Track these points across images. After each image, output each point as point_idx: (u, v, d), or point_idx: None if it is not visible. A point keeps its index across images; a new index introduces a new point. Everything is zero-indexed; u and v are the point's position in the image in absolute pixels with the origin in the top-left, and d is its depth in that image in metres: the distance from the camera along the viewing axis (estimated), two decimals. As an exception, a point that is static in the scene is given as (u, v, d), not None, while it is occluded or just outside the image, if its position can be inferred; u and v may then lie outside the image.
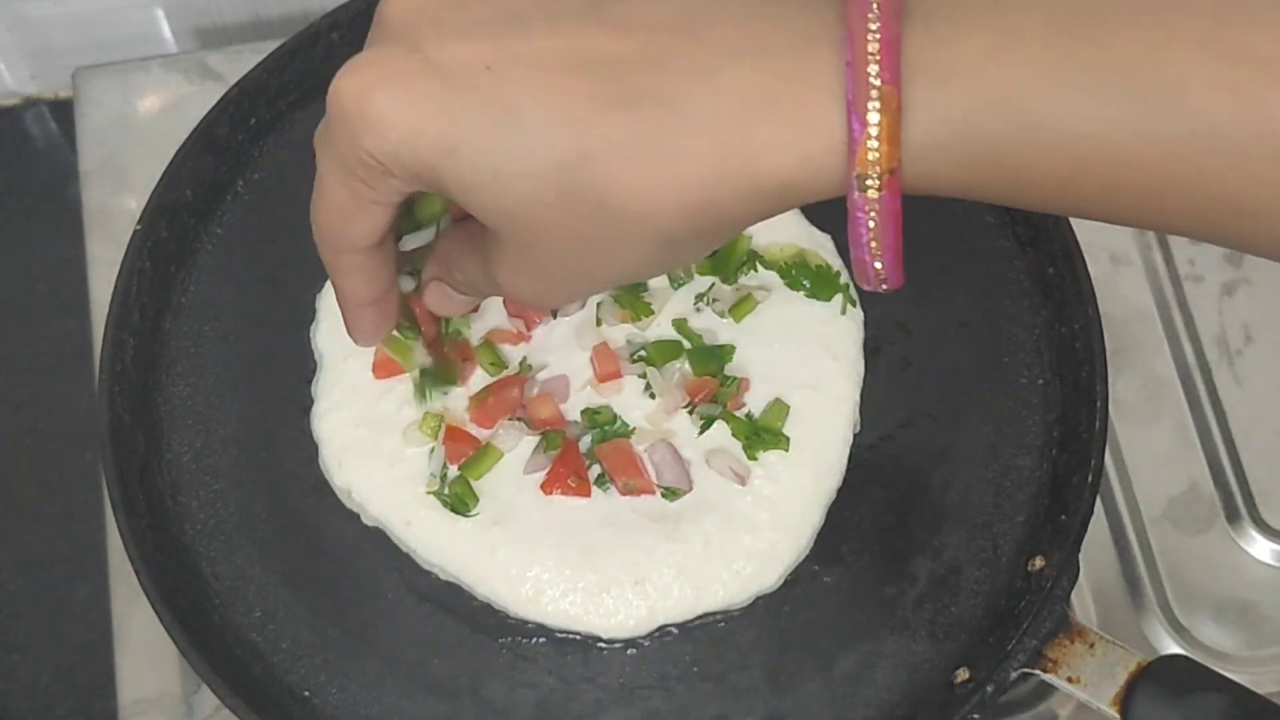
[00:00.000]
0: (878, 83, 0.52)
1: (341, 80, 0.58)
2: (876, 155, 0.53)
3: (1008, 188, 0.55)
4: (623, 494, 0.87)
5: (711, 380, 0.89)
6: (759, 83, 0.54)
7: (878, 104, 0.53)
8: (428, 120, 0.57)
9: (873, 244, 0.57)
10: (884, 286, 0.59)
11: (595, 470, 0.88)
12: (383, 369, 0.90)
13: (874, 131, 0.53)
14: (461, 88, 0.56)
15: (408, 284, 0.78)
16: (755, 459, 0.88)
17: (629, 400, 0.89)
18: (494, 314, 0.91)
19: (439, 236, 0.76)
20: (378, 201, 0.62)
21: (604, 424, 0.88)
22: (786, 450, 0.88)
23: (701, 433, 0.88)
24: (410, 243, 0.78)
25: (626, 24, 0.56)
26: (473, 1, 0.59)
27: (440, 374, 0.88)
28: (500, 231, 0.60)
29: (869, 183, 0.54)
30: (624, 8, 0.57)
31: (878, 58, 0.52)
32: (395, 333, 0.84)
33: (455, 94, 0.56)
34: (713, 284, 0.92)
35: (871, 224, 0.56)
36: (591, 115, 0.55)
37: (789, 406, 0.89)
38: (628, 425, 0.88)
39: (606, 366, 0.90)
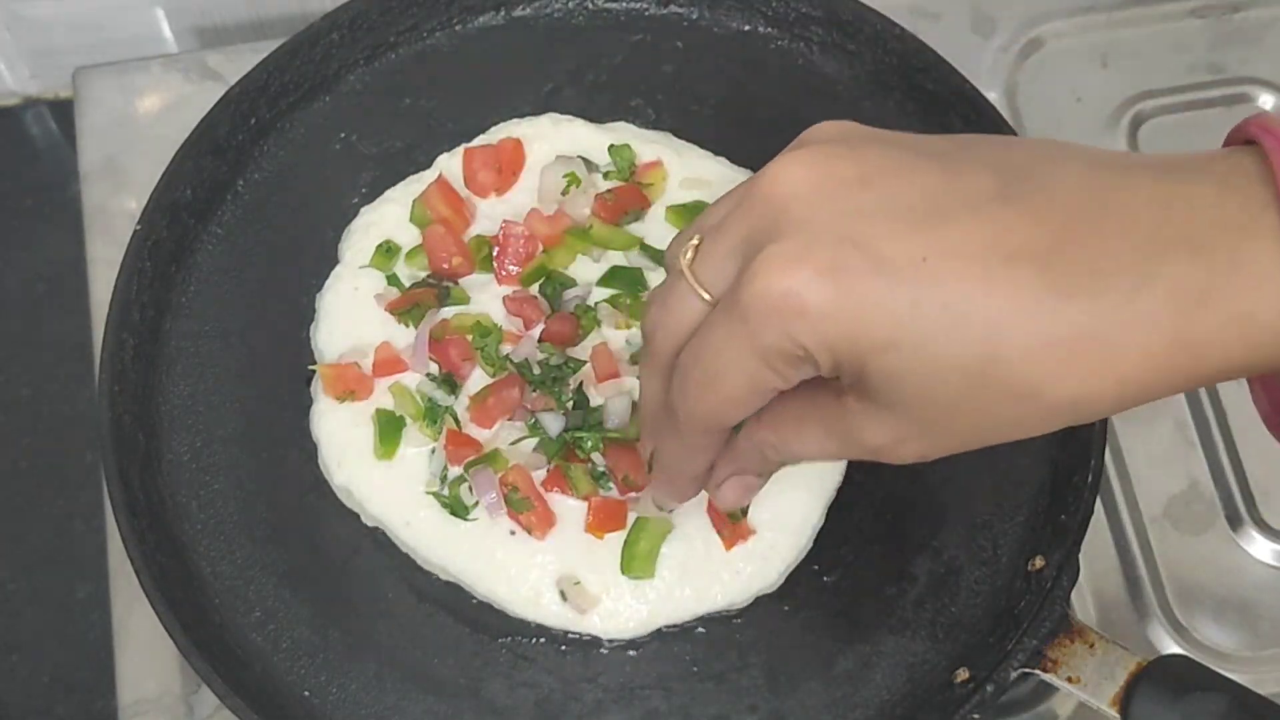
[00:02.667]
0: None
1: (773, 276, 0.58)
2: None
3: None
4: (622, 491, 0.87)
5: None
6: (1196, 277, 0.54)
7: None
8: (870, 316, 0.57)
9: None
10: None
11: (595, 467, 0.88)
12: (382, 369, 0.90)
13: None
14: (902, 283, 0.56)
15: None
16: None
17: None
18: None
19: (746, 427, 0.71)
20: (779, 388, 0.62)
21: (593, 424, 0.88)
22: (787, 450, 0.89)
23: None
24: None
25: (1042, 209, 0.57)
26: (875, 181, 0.59)
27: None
28: (899, 412, 0.60)
29: None
30: (1033, 186, 0.57)
31: None
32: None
33: (896, 290, 0.57)
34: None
35: None
36: (1029, 308, 0.55)
37: None
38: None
39: (605, 367, 0.90)
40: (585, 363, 0.90)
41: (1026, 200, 0.57)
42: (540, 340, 0.90)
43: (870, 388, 0.60)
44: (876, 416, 0.62)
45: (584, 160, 0.96)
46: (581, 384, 0.90)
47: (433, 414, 0.88)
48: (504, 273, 0.93)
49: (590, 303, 0.92)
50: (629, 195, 0.95)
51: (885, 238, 0.57)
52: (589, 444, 0.87)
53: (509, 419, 0.89)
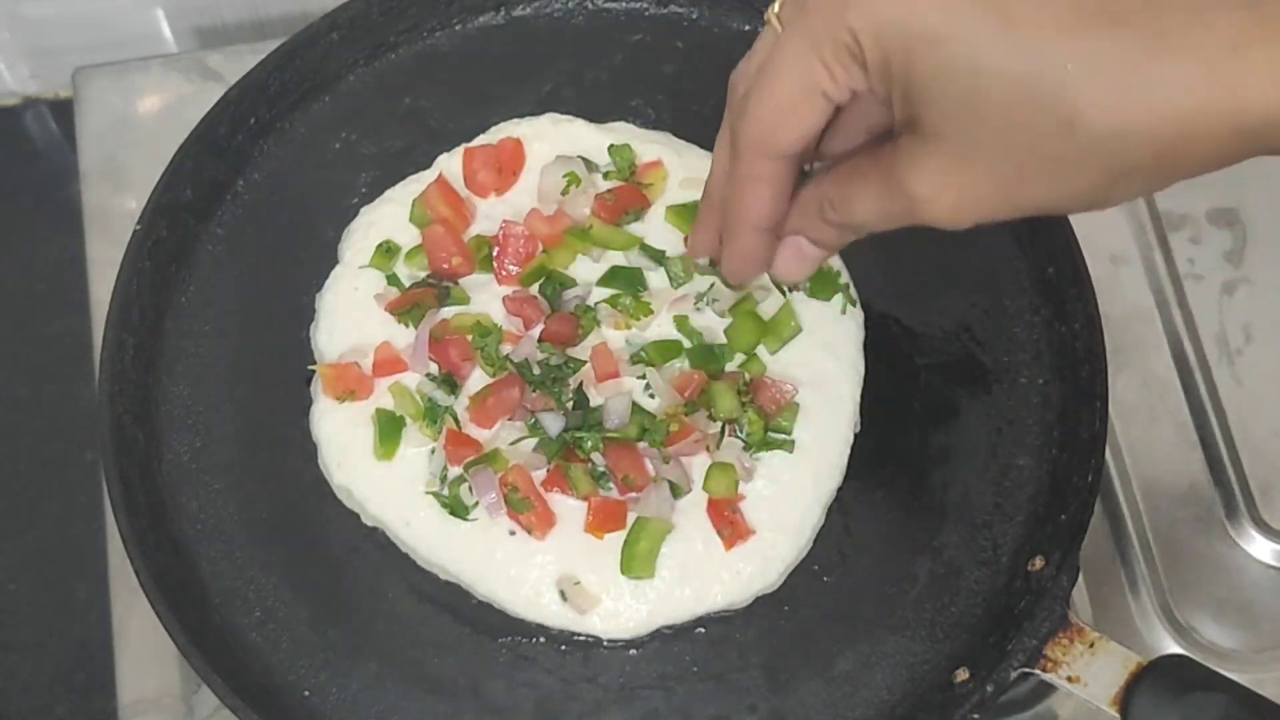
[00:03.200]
0: None
1: None
2: None
3: None
4: (622, 491, 0.87)
5: (701, 374, 0.89)
6: (1250, 23, 0.55)
7: None
8: (924, 4, 0.58)
9: None
10: None
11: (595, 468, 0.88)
12: (382, 369, 0.90)
13: None
14: None
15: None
16: (756, 459, 0.88)
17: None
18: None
19: (804, 187, 0.72)
20: (827, 94, 0.62)
21: (593, 423, 0.88)
22: (791, 452, 0.88)
23: (723, 430, 0.88)
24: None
25: None
26: None
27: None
28: (944, 134, 0.60)
29: None
30: None
31: None
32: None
33: None
34: (712, 284, 0.92)
35: None
36: (1080, 26, 0.56)
37: (798, 405, 0.89)
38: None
39: (605, 367, 0.90)
40: (585, 362, 0.90)
41: None
42: (540, 340, 0.90)
43: (917, 108, 0.60)
44: (923, 152, 0.61)
45: (584, 160, 0.96)
46: (581, 384, 0.90)
47: (432, 414, 0.88)
48: (504, 273, 0.93)
49: (590, 303, 0.92)
50: (629, 195, 0.95)
51: None
52: (589, 444, 0.87)
53: (509, 419, 0.89)
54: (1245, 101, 0.55)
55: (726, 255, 0.73)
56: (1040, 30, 0.56)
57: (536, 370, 0.90)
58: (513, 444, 0.88)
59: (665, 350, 0.90)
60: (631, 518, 0.87)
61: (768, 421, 0.88)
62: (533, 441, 0.88)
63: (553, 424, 0.88)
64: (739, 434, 0.88)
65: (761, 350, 0.91)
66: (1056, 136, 0.58)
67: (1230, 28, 0.55)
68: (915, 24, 0.58)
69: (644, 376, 0.90)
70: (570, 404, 0.89)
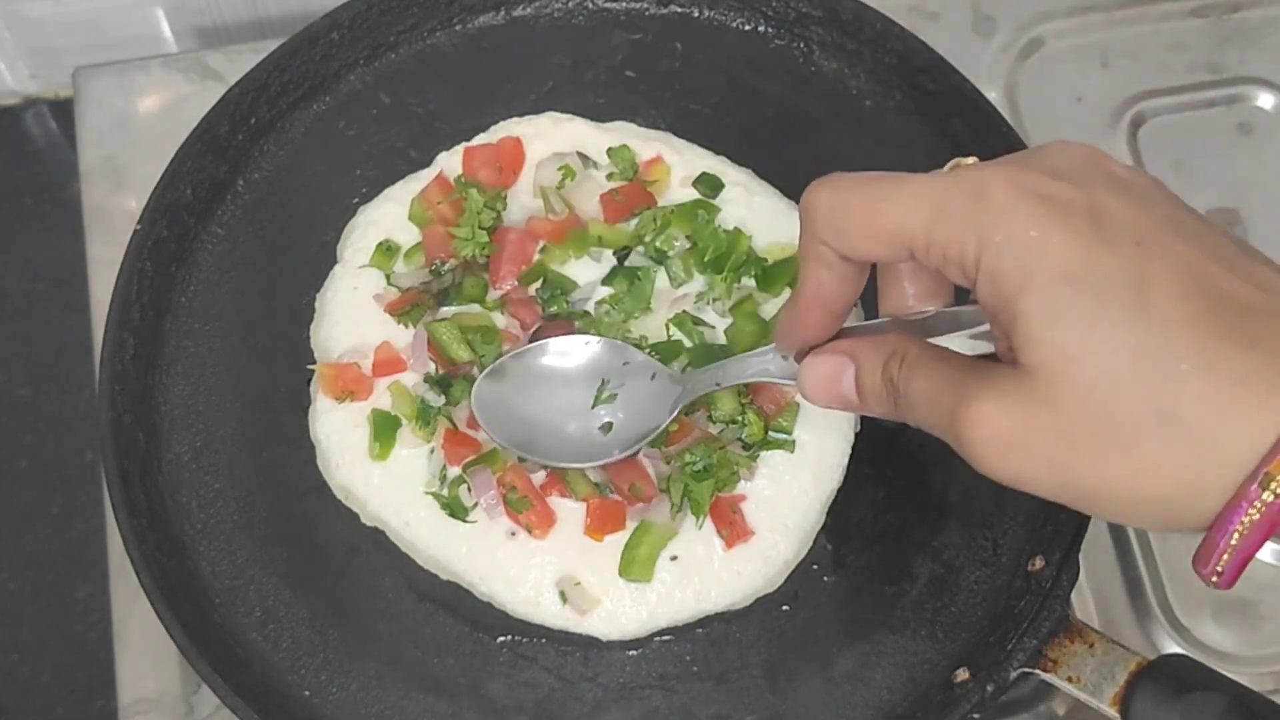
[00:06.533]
0: None
1: (1005, 171, 0.59)
2: None
3: None
4: (630, 502, 0.87)
5: None
6: None
7: None
8: (1068, 241, 0.57)
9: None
10: (1213, 582, 0.61)
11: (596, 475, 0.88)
12: (382, 369, 0.90)
13: None
14: (1110, 243, 0.57)
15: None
16: (755, 460, 0.88)
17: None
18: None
19: (897, 326, 0.70)
20: (914, 251, 0.61)
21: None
22: (792, 452, 0.88)
23: (724, 428, 0.88)
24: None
25: (1263, 283, 0.58)
26: (1148, 190, 0.60)
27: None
28: (1034, 371, 0.58)
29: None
30: (1262, 269, 0.58)
31: None
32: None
33: (1100, 239, 0.57)
34: (713, 284, 0.92)
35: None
36: (1213, 336, 0.55)
37: (798, 405, 0.89)
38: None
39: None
40: None
41: (1255, 272, 0.58)
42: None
43: (1036, 338, 0.57)
44: (1005, 392, 0.59)
45: (580, 155, 0.95)
46: None
47: (425, 415, 0.88)
48: (502, 273, 0.92)
49: (592, 303, 0.92)
50: (636, 194, 0.94)
51: (1120, 204, 0.58)
52: None
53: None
54: None
55: (782, 318, 0.72)
56: (1174, 327, 0.56)
57: None
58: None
59: (666, 350, 0.90)
60: (634, 520, 0.87)
61: (767, 422, 0.88)
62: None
63: None
64: (740, 436, 0.88)
65: None
66: (1152, 427, 0.56)
67: None
68: (1052, 259, 0.57)
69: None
70: None
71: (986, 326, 0.67)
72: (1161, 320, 0.56)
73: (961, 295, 0.69)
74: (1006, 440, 0.59)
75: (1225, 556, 0.59)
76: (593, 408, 0.86)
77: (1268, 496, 0.55)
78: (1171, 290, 0.56)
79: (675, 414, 0.84)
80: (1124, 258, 0.57)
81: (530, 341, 0.90)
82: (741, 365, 0.79)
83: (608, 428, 0.85)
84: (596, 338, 0.88)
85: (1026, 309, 0.57)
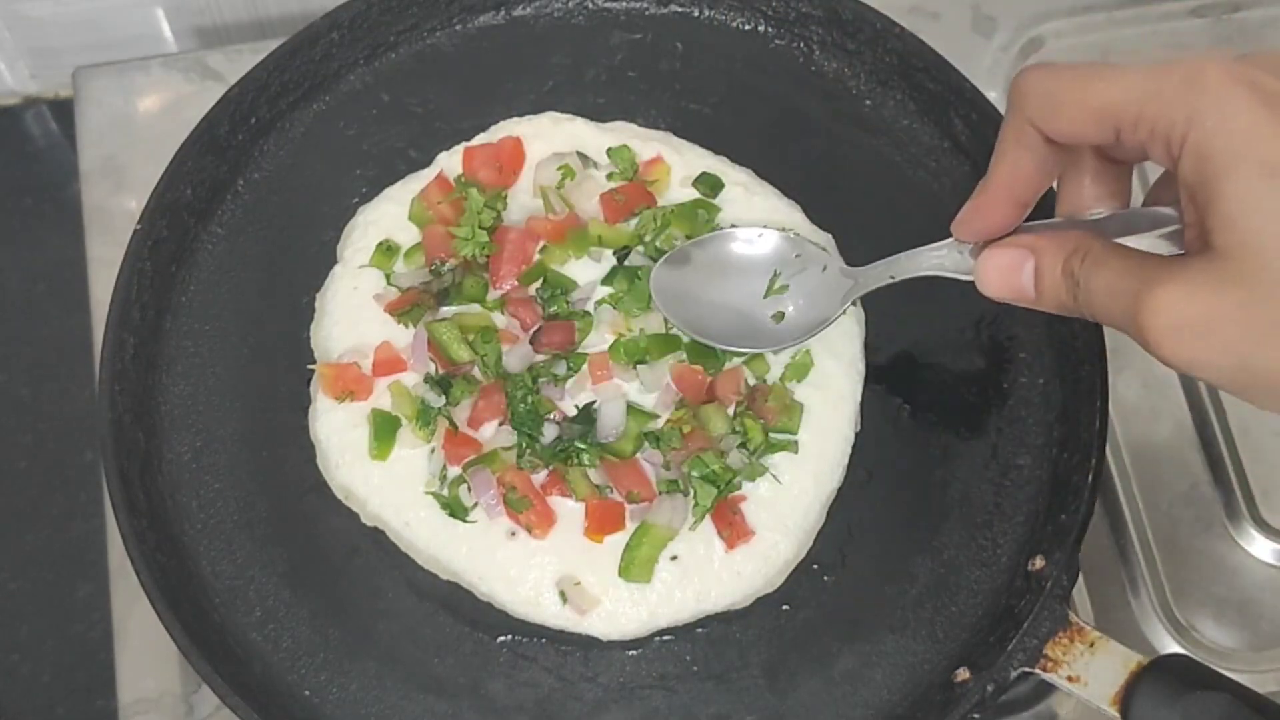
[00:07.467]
0: None
1: (1222, 61, 0.60)
2: None
3: None
4: (629, 504, 0.87)
5: (698, 369, 0.89)
6: None
7: None
8: (1278, 134, 0.58)
9: None
10: None
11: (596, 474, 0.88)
12: (383, 369, 0.90)
13: None
14: None
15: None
16: (761, 468, 0.88)
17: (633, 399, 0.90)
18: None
19: (1073, 225, 0.71)
20: (1120, 131, 0.62)
21: (588, 436, 0.88)
22: (795, 452, 0.88)
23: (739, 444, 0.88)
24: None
25: None
26: None
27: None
28: (1226, 254, 0.58)
29: None
30: None
31: None
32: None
33: None
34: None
35: None
36: None
37: (801, 406, 0.89)
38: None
39: (599, 367, 0.90)
40: (585, 358, 0.89)
41: None
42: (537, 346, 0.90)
43: (1219, 212, 0.58)
44: (1195, 270, 0.59)
45: (580, 155, 0.95)
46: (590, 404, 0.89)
47: (425, 415, 0.88)
48: (502, 273, 0.92)
49: (592, 303, 0.92)
50: (636, 194, 0.94)
51: None
52: (586, 458, 0.87)
53: (501, 423, 0.89)
54: None
55: (966, 207, 0.72)
56: None
57: (531, 373, 0.89)
58: (508, 448, 0.88)
59: (662, 344, 0.90)
60: (634, 521, 0.87)
61: (766, 425, 0.88)
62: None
63: (546, 431, 0.88)
64: (742, 443, 0.88)
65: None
66: None
67: None
68: (1259, 151, 0.58)
69: (638, 375, 0.90)
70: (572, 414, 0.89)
71: (1161, 229, 0.68)
72: None
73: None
74: (1190, 325, 0.60)
75: None
76: (765, 297, 0.87)
77: None
78: None
79: (846, 306, 0.86)
80: None
81: (530, 342, 0.90)
82: (916, 259, 0.80)
83: (779, 316, 0.87)
84: (771, 230, 0.89)
85: (1229, 192, 0.58)
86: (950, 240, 0.77)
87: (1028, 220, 0.73)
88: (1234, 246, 0.58)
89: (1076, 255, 0.67)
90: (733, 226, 0.92)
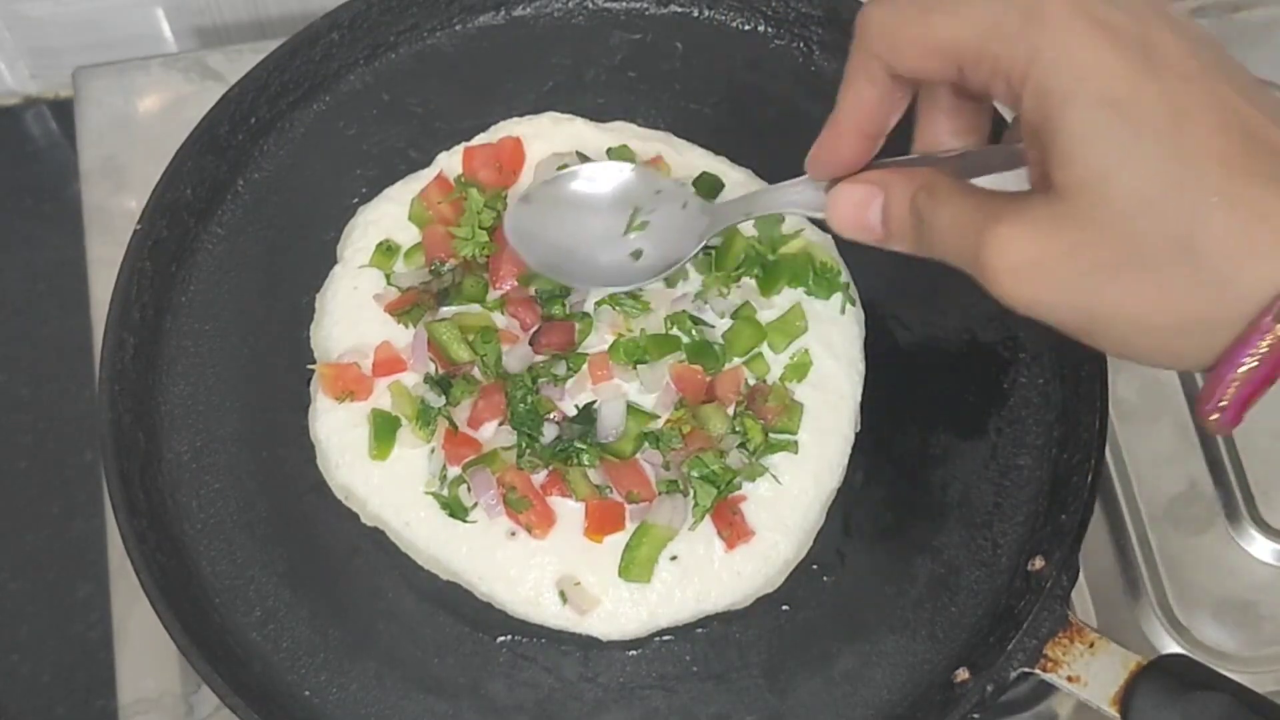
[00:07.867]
0: None
1: None
2: None
3: None
4: (629, 504, 0.87)
5: (698, 369, 0.89)
6: None
7: None
8: (1116, 67, 0.57)
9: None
10: (1213, 421, 0.60)
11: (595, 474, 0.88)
12: (383, 369, 0.90)
13: None
14: (1157, 74, 0.57)
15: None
16: (761, 469, 0.88)
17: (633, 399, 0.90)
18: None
19: (927, 162, 0.70)
20: (963, 68, 0.61)
21: (588, 436, 0.88)
22: (795, 452, 0.88)
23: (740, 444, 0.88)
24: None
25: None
26: (1202, 34, 0.59)
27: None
28: (1064, 191, 0.58)
29: None
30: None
31: None
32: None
33: (1148, 68, 0.57)
34: (710, 283, 0.92)
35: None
36: (1241, 174, 0.56)
37: (801, 406, 0.89)
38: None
39: (599, 367, 0.90)
40: (585, 357, 0.89)
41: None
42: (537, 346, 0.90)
43: (1071, 152, 0.57)
44: (1036, 209, 0.59)
45: (580, 155, 0.95)
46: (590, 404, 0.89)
47: (425, 415, 0.88)
48: (502, 273, 0.92)
49: (591, 303, 0.92)
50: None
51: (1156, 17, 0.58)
52: (586, 458, 0.87)
53: (500, 423, 0.89)
54: None
55: (815, 143, 0.71)
56: (1193, 148, 0.56)
57: (531, 374, 0.89)
58: (508, 449, 0.88)
59: (662, 344, 0.90)
60: (634, 522, 0.87)
61: (766, 425, 0.88)
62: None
63: (546, 431, 0.88)
64: (742, 443, 0.88)
65: (765, 348, 0.91)
66: (1207, 284, 0.56)
67: None
68: (1096, 86, 0.57)
69: (638, 375, 0.90)
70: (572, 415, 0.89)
71: (1017, 168, 0.67)
72: (1194, 153, 0.56)
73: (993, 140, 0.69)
74: (1029, 263, 0.59)
75: (1231, 390, 0.59)
76: (624, 234, 0.85)
77: None
78: (1208, 125, 0.56)
79: (702, 244, 0.83)
80: (1167, 90, 0.57)
81: (530, 342, 0.90)
82: (773, 196, 0.78)
83: (638, 254, 0.84)
84: (627, 165, 0.87)
85: (1067, 127, 0.57)
86: (806, 177, 0.74)
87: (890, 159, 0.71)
88: (1071, 184, 0.57)
89: (923, 191, 0.65)
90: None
